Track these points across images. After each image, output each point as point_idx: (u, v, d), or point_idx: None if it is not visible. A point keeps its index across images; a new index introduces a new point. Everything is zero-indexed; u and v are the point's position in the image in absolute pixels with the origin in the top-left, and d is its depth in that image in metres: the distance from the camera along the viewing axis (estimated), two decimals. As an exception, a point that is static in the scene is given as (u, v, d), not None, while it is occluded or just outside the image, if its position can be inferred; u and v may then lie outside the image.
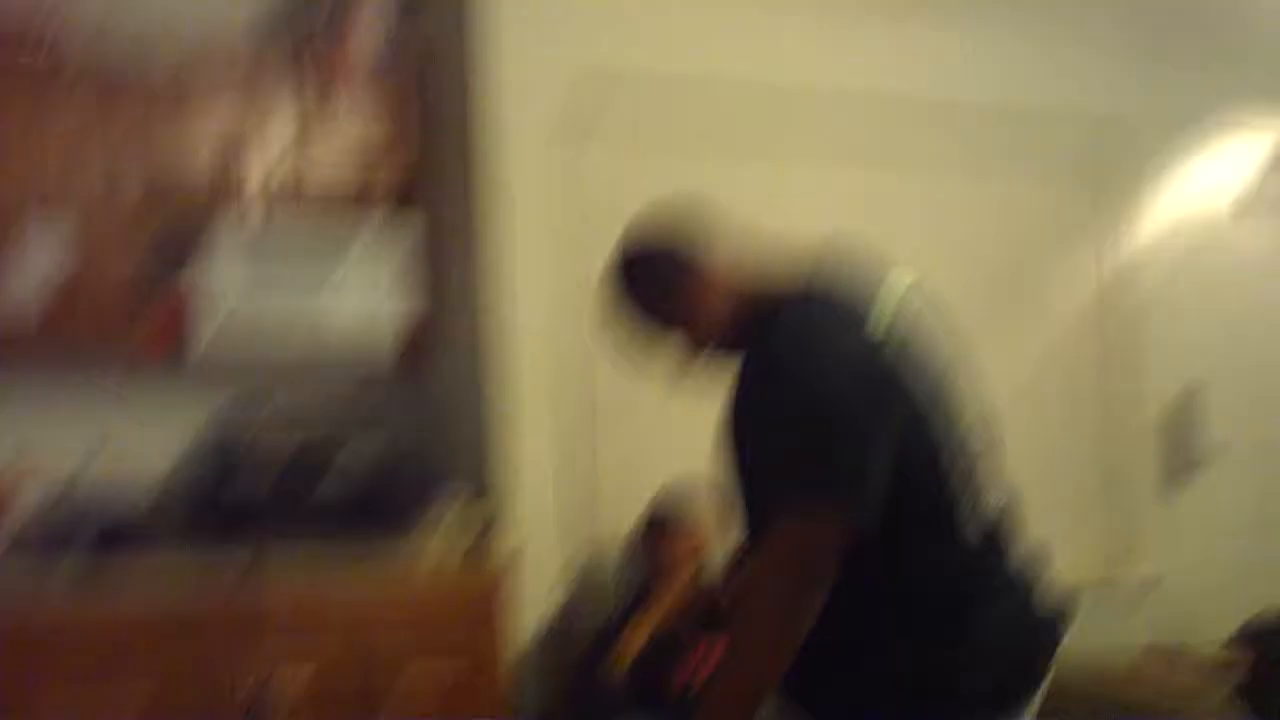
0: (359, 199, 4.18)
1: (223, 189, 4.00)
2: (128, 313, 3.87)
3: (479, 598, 3.88)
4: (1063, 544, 2.65)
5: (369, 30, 4.25)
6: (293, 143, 4.10)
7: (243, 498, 4.01)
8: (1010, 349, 4.83)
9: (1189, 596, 4.91)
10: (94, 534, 3.71)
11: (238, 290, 3.90)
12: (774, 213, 3.60)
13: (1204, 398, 5.20)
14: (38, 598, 3.41)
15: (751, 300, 2.29)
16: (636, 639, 3.76)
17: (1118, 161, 5.09)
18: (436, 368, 4.37)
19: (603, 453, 4.15)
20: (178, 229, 3.93)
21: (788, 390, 2.12)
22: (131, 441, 4.12)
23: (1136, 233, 5.16)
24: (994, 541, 2.25)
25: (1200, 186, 5.30)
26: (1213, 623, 4.79)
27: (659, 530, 3.96)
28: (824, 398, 2.10)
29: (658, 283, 2.32)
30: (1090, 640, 2.84)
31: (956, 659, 2.13)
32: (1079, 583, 2.61)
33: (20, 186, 3.76)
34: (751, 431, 2.21)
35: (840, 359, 2.15)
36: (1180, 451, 5.17)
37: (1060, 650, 2.23)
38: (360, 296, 4.06)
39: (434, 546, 3.89)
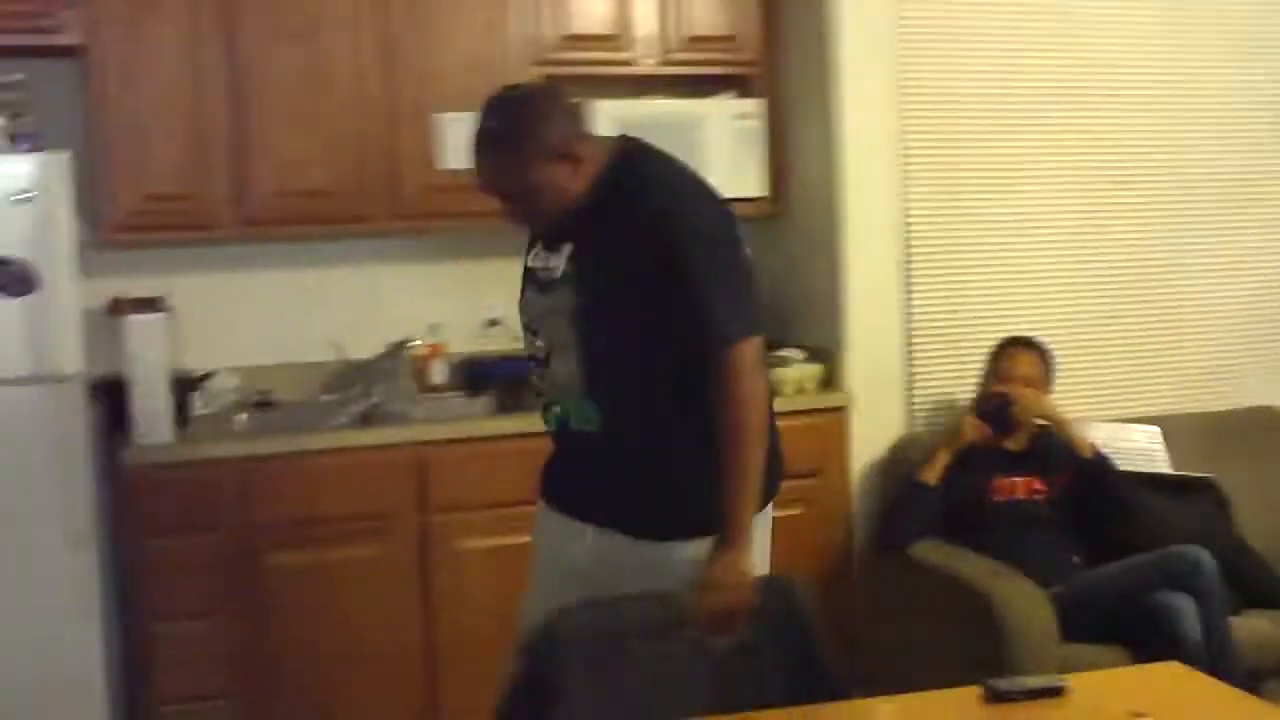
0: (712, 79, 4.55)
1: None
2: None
3: (828, 425, 4.41)
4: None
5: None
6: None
7: None
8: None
9: None
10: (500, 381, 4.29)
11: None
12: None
13: None
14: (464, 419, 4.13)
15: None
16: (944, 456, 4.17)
17: None
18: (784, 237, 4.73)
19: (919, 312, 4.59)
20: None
21: (689, 227, 2.60)
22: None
23: None
24: None
25: None
26: None
27: (1013, 347, 4.28)
28: (724, 239, 2.65)
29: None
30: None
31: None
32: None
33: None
34: (644, 262, 2.60)
35: (714, 197, 2.71)
36: None
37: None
38: (720, 168, 4.22)
39: (788, 376, 4.36)
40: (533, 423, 3.83)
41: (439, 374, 4.43)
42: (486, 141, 2.70)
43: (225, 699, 3.86)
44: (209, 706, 3.86)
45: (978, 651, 3.67)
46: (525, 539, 3.82)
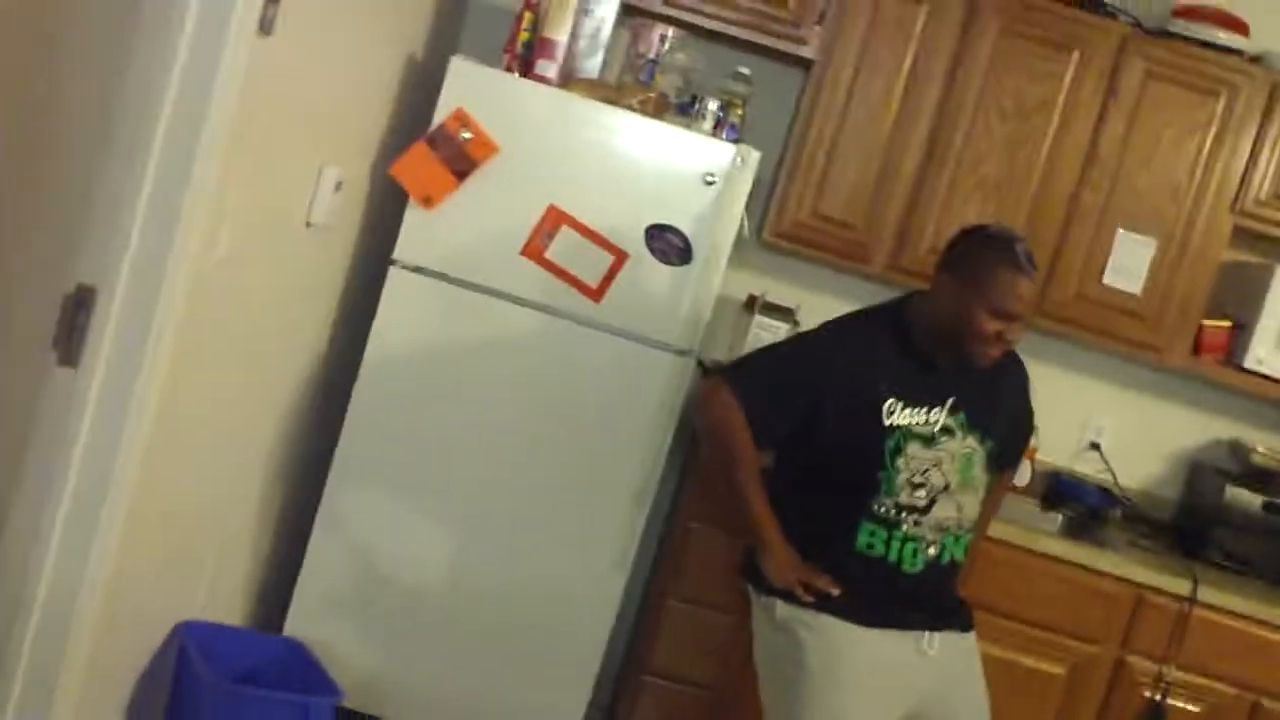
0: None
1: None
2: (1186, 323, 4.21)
3: None
4: None
5: None
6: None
7: (1211, 517, 4.32)
8: None
9: None
10: (1087, 502, 4.29)
11: None
12: None
13: None
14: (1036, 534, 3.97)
15: None
16: None
17: None
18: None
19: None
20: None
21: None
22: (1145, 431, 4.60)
23: None
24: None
25: None
26: None
27: None
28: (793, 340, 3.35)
29: None
30: None
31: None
32: None
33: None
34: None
35: (836, 331, 3.15)
36: None
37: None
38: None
39: None
40: (1098, 558, 3.81)
41: (1023, 474, 4.36)
42: (1034, 266, 2.99)
43: (705, 690, 3.98)
44: (689, 691, 3.99)
45: None
46: (1040, 664, 3.83)
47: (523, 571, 3.82)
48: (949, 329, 3.02)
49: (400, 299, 3.73)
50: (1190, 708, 3.95)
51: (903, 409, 3.02)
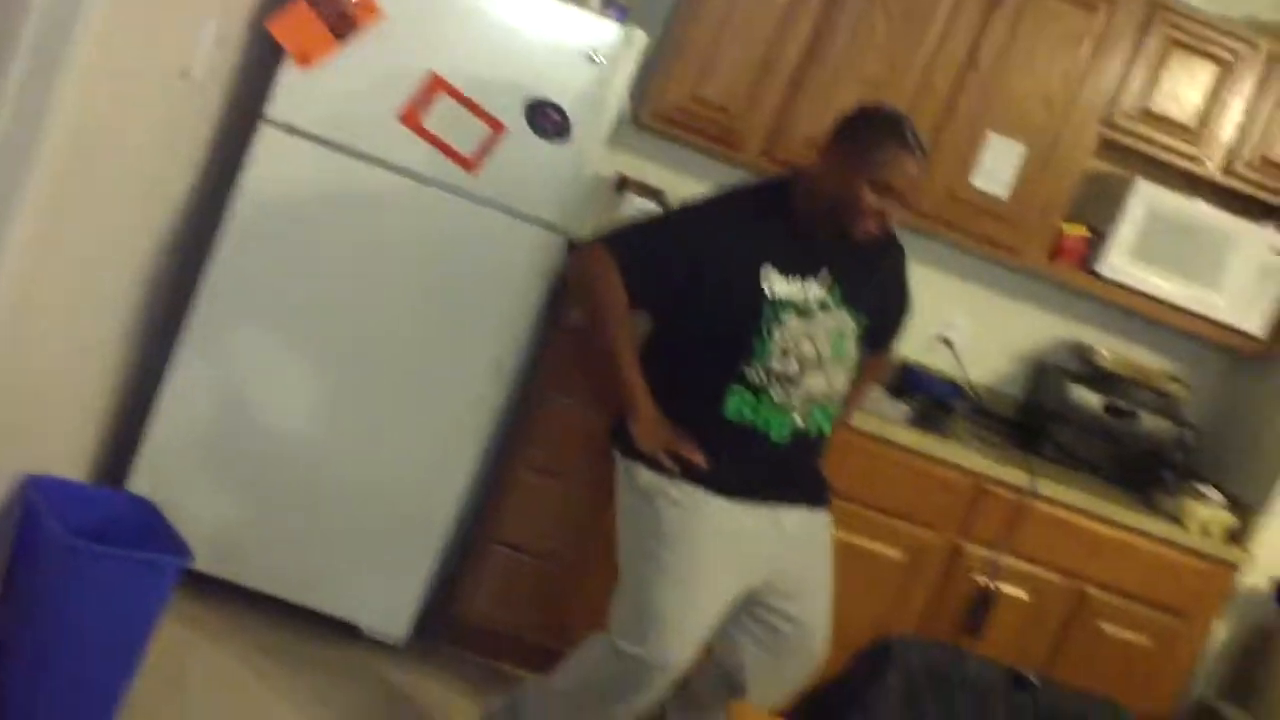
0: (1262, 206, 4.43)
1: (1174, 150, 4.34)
2: (1046, 227, 4.34)
3: (1214, 575, 4.22)
4: None
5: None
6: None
7: (1053, 414, 4.49)
8: None
9: None
10: (935, 394, 4.35)
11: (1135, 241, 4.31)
12: None
13: None
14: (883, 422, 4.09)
15: None
16: None
17: None
18: (1256, 381, 4.64)
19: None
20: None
21: None
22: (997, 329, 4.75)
23: None
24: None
25: None
26: None
27: None
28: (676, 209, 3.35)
29: None
30: None
31: None
32: None
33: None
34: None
35: (720, 201, 3.20)
36: None
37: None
38: (1234, 293, 4.35)
39: (1197, 512, 4.20)
40: (941, 447, 3.94)
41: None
42: (922, 148, 3.08)
43: (551, 560, 4.02)
44: (533, 562, 4.03)
45: None
46: (880, 547, 3.97)
47: (379, 438, 3.82)
48: (832, 201, 3.07)
49: (270, 157, 3.65)
50: (1019, 594, 4.13)
51: (781, 279, 3.07)
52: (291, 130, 3.63)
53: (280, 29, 3.56)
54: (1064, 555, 4.14)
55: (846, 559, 3.68)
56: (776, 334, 3.05)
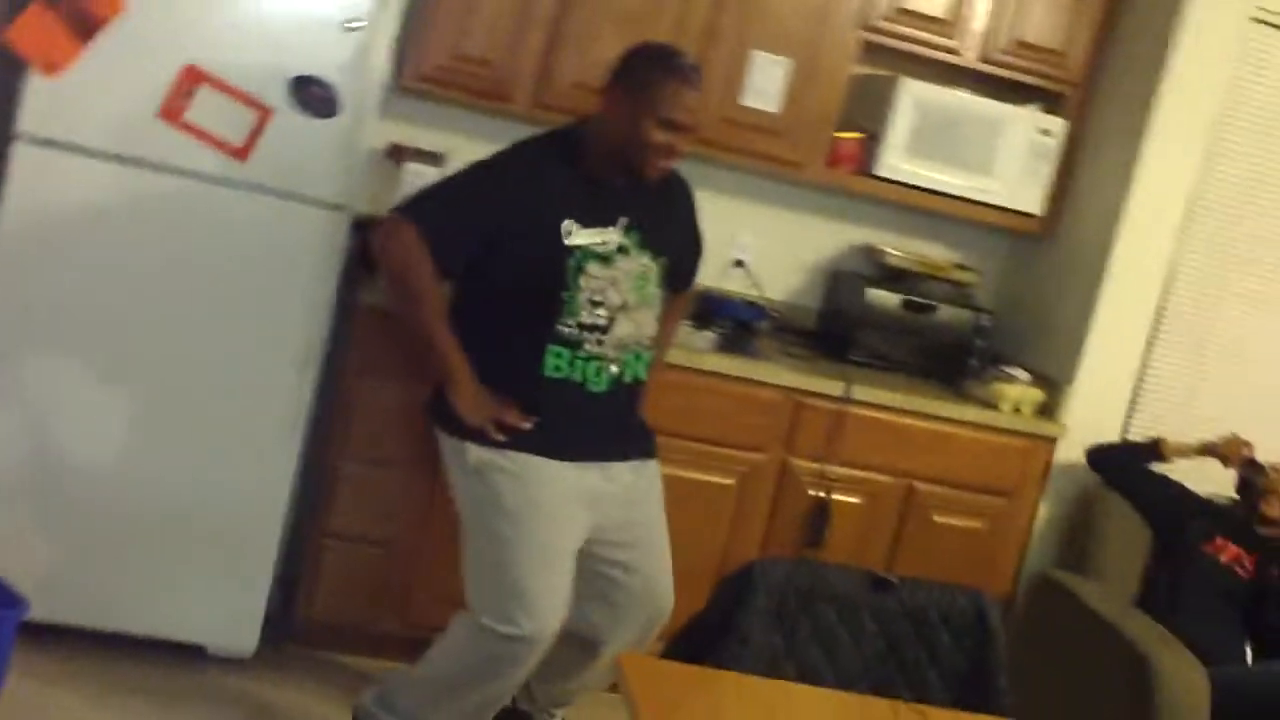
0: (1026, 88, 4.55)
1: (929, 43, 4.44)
2: (820, 137, 4.38)
3: (1032, 451, 4.39)
4: None
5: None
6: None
7: (854, 320, 4.57)
8: None
9: None
10: (737, 318, 4.40)
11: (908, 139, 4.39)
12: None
13: None
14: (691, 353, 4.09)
15: None
16: None
17: None
18: (1042, 259, 4.76)
19: (1162, 364, 4.56)
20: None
21: None
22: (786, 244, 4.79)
23: None
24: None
25: None
26: None
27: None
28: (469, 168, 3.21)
29: None
30: None
31: None
32: None
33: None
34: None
35: (512, 156, 3.17)
36: None
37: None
38: (1008, 176, 4.47)
39: (1008, 393, 4.34)
40: (753, 369, 3.98)
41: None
42: (699, 78, 3.16)
43: (388, 546, 3.96)
44: (368, 551, 3.95)
45: (1124, 713, 3.63)
46: (710, 477, 3.99)
47: (193, 451, 3.69)
48: (620, 144, 3.10)
49: (28, 176, 3.47)
50: (852, 499, 4.22)
51: (580, 229, 3.09)
52: (49, 143, 3.46)
53: (19, 39, 3.39)
54: (888, 455, 4.24)
55: (680, 493, 3.71)
56: (583, 284, 3.07)
